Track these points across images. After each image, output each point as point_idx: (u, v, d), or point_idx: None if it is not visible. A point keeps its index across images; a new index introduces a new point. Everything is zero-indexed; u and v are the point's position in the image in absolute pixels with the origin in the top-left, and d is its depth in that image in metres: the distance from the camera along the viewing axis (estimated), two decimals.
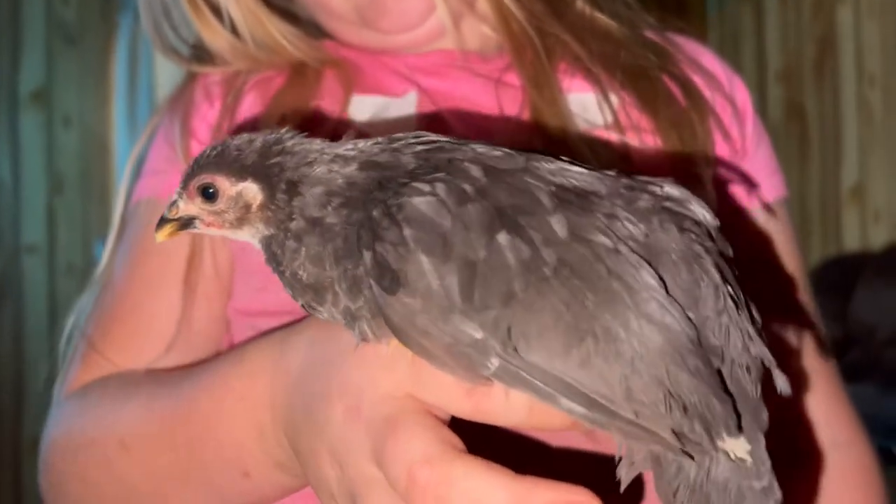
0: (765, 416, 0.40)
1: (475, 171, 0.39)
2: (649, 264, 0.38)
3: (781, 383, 0.41)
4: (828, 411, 0.70)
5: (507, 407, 0.39)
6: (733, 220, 0.70)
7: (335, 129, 0.44)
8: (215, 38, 0.69)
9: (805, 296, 0.72)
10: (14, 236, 2.73)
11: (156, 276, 0.66)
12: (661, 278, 0.38)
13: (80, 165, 2.79)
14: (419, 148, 0.42)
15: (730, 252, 0.42)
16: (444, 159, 0.40)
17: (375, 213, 0.39)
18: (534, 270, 0.37)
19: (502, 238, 0.37)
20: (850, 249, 2.99)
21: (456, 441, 0.39)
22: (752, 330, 0.40)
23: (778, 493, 0.40)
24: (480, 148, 0.41)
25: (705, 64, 0.73)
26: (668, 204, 0.41)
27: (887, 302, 2.42)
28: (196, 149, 0.67)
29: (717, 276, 0.40)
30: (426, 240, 0.37)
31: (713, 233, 0.41)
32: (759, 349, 0.40)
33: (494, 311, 0.37)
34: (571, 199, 0.39)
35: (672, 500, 0.40)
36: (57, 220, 2.77)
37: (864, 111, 3.03)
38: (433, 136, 0.43)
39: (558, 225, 0.37)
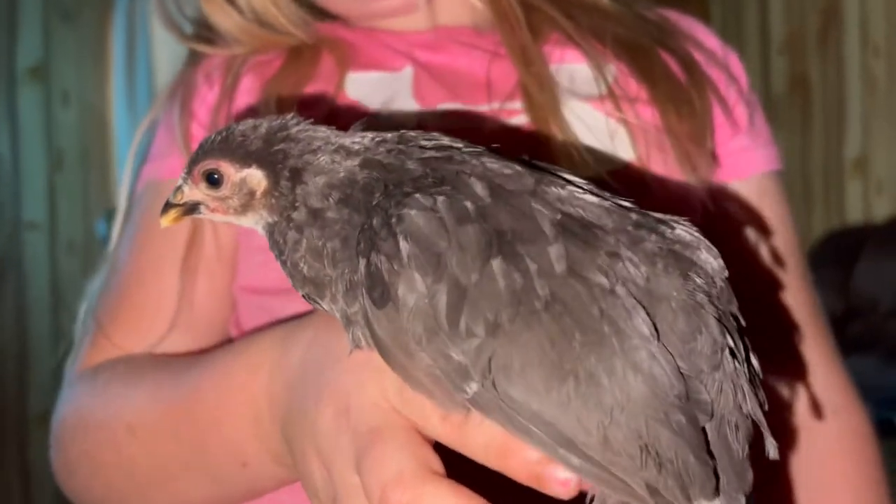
0: (749, 477, 0.39)
1: (480, 189, 0.38)
2: (646, 311, 0.37)
3: (770, 447, 0.40)
4: (825, 377, 0.70)
5: (476, 439, 0.39)
6: (728, 203, 0.70)
7: (332, 108, 0.44)
8: (221, 15, 0.69)
9: (799, 273, 0.71)
10: (15, 213, 2.73)
11: (160, 257, 0.67)
12: (655, 326, 0.37)
13: (80, 141, 2.78)
14: (428, 154, 0.41)
15: (735, 305, 0.40)
16: (452, 171, 0.40)
17: (376, 221, 0.38)
18: (524, 302, 0.36)
19: (496, 264, 0.36)
20: (852, 221, 2.99)
21: (434, 462, 0.39)
22: (747, 387, 0.39)
23: None
24: (491, 163, 0.40)
25: (701, 39, 0.72)
26: (676, 247, 0.39)
27: (889, 274, 2.42)
28: (196, 131, 0.68)
29: (716, 329, 0.38)
30: (420, 257, 0.37)
31: (719, 284, 0.40)
32: (752, 408, 0.39)
33: (478, 339, 0.36)
34: (576, 231, 0.38)
35: None
36: (57, 196, 2.77)
37: (868, 82, 3.01)
38: (446, 141, 0.42)
39: (557, 257, 0.36)
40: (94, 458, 0.62)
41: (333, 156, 0.41)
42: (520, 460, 0.38)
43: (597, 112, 0.65)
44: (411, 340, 0.37)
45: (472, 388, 0.37)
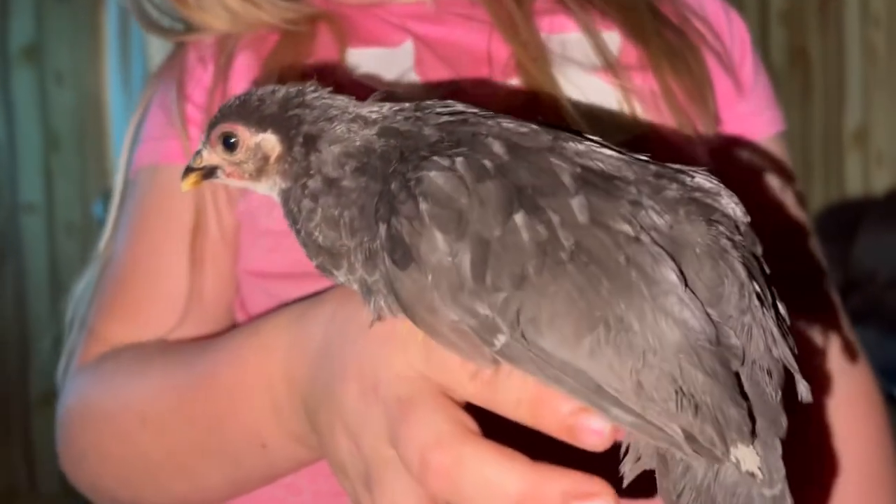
0: (783, 421, 0.38)
1: (497, 148, 0.38)
2: (672, 257, 0.37)
3: (803, 389, 0.40)
4: (833, 339, 0.70)
5: (507, 395, 0.39)
6: (736, 160, 0.69)
7: (336, 83, 0.44)
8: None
9: (809, 237, 0.71)
10: (12, 195, 2.73)
11: (161, 242, 0.66)
12: (682, 272, 0.36)
13: (75, 122, 2.76)
14: (444, 119, 0.40)
15: (759, 249, 0.40)
16: (468, 133, 0.39)
17: (394, 185, 0.38)
18: (549, 253, 0.36)
19: (519, 218, 0.36)
20: (852, 194, 2.98)
21: (470, 423, 0.39)
22: (776, 331, 0.39)
23: (789, 501, 0.38)
24: (507, 123, 0.40)
25: (702, 1, 0.71)
26: (696, 195, 0.39)
27: (889, 247, 2.42)
28: (192, 112, 0.66)
29: (742, 273, 0.38)
30: (441, 215, 0.36)
31: (742, 228, 0.40)
32: (783, 352, 0.39)
33: (505, 292, 0.36)
34: (596, 183, 0.37)
35: (675, 502, 0.39)
36: (54, 177, 2.76)
37: (869, 53, 2.99)
38: (461, 107, 0.41)
39: (579, 208, 0.36)
40: (103, 451, 0.61)
41: (350, 125, 0.41)
42: (552, 412, 0.38)
43: (601, 82, 0.64)
44: (436, 298, 0.37)
45: (501, 340, 0.36)
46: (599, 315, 0.35)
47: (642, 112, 0.64)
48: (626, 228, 0.36)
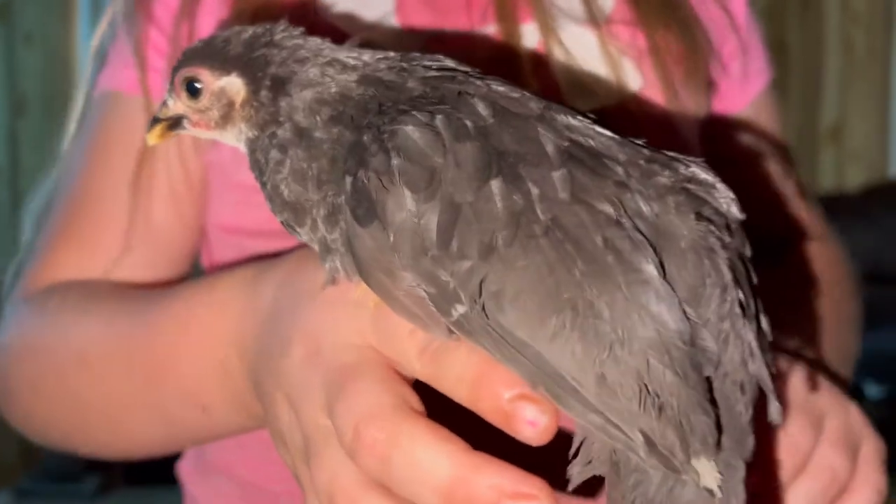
0: (750, 442, 0.36)
1: (482, 109, 0.36)
2: (653, 247, 0.34)
3: (775, 411, 0.37)
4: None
5: (449, 370, 0.36)
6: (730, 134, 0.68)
7: (310, 27, 0.41)
8: None
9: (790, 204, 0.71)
10: None
11: (116, 171, 0.63)
12: (662, 265, 0.34)
13: (43, 85, 2.69)
14: (431, 74, 0.38)
15: (748, 251, 0.37)
16: (454, 91, 0.37)
17: (366, 137, 0.35)
18: (523, 226, 0.33)
19: (496, 185, 0.34)
20: (825, 189, 3.00)
21: (413, 400, 0.37)
22: (754, 345, 0.36)
23: None
24: (497, 85, 0.38)
25: None
26: (689, 185, 0.36)
27: (861, 242, 2.44)
28: (155, 37, 0.63)
29: (727, 276, 0.35)
30: (412, 172, 0.34)
31: (733, 227, 0.37)
32: (759, 368, 0.36)
33: (470, 261, 0.34)
34: (583, 159, 0.35)
35: None
36: (19, 142, 2.69)
37: (847, 50, 3.01)
38: (451, 63, 0.39)
39: (561, 182, 0.34)
40: (37, 386, 0.59)
41: (325, 68, 0.38)
42: (491, 395, 0.35)
43: (588, 35, 0.61)
44: (396, 260, 0.34)
45: (459, 310, 0.34)
46: (568, 297, 0.33)
47: (630, 70, 0.61)
48: (609, 210, 0.34)
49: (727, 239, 0.36)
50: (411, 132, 0.34)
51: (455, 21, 0.62)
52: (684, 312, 0.34)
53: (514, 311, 0.34)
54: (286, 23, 0.41)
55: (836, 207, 2.66)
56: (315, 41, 0.40)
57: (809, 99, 3.06)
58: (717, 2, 0.68)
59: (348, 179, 0.35)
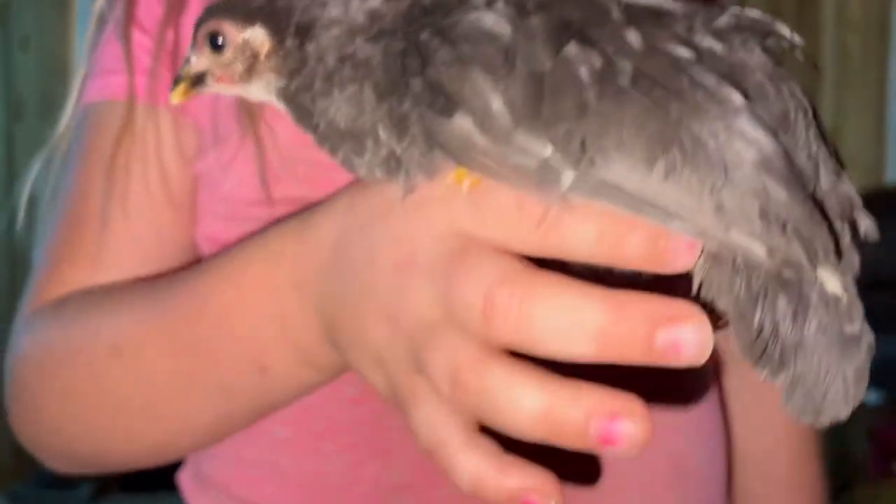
0: (855, 260, 0.36)
1: None
2: (735, 82, 0.35)
3: (867, 226, 0.37)
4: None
5: (583, 233, 0.35)
6: None
7: None
8: None
9: None
10: None
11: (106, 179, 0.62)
12: (746, 95, 0.35)
13: (40, 89, 2.69)
14: None
15: (817, 72, 0.39)
16: None
17: (424, 36, 0.35)
18: (609, 81, 0.33)
19: (571, 49, 0.34)
20: None
21: (531, 265, 0.36)
22: (838, 166, 0.37)
23: (870, 337, 0.37)
24: None
25: None
26: (748, 23, 0.37)
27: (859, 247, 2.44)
28: (142, 40, 0.62)
29: (804, 100, 0.36)
30: (484, 54, 0.34)
31: (799, 55, 0.39)
32: (848, 188, 0.37)
33: (566, 123, 0.33)
34: (644, 15, 0.35)
35: (753, 343, 0.36)
36: (16, 145, 2.68)
37: (843, 55, 3.02)
38: None
39: (633, 37, 0.34)
40: (65, 393, 0.55)
41: (348, 4, 0.38)
42: (638, 239, 0.35)
43: None
44: (490, 142, 0.34)
45: (568, 177, 0.34)
46: (672, 135, 0.33)
47: None
48: (684, 52, 0.34)
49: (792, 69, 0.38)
50: (474, 19, 0.34)
51: None
52: (777, 137, 0.35)
53: (623, 160, 0.33)
54: None
55: None
56: None
57: None
58: None
59: (415, 80, 0.35)
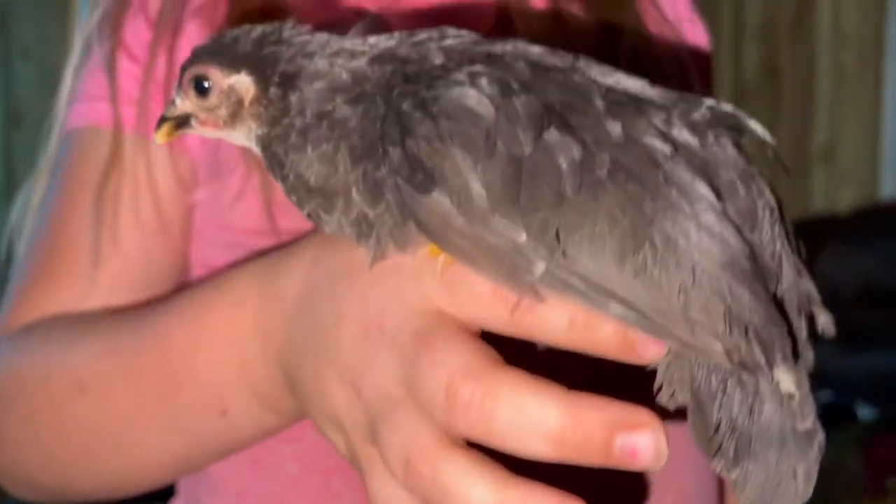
0: (810, 356, 0.37)
1: (519, 66, 0.36)
2: (706, 177, 0.36)
3: (824, 322, 0.38)
4: None
5: (548, 319, 0.36)
6: None
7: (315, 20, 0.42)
8: None
9: None
10: None
11: (90, 208, 0.61)
12: (718, 193, 0.35)
13: (39, 98, 2.69)
14: (448, 42, 0.38)
15: (787, 173, 0.40)
16: (482, 52, 0.37)
17: (405, 106, 0.35)
18: (586, 172, 0.34)
19: (551, 136, 0.34)
20: (817, 210, 3.02)
21: (496, 355, 0.36)
22: (800, 263, 0.38)
23: (821, 435, 0.38)
24: (520, 44, 0.38)
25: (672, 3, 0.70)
26: (720, 119, 0.38)
27: (853, 263, 2.45)
28: (130, 69, 0.62)
29: (772, 199, 0.37)
30: (466, 133, 0.34)
31: (769, 153, 0.39)
32: (808, 285, 0.38)
33: (542, 212, 0.34)
34: (624, 102, 0.36)
35: (711, 439, 0.37)
36: (14, 154, 2.68)
37: (838, 72, 3.03)
38: (463, 31, 0.39)
39: (612, 125, 0.35)
40: (29, 421, 0.55)
41: (333, 59, 0.38)
42: (610, 329, 0.35)
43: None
44: (466, 224, 0.34)
45: (540, 267, 0.34)
46: (644, 233, 0.34)
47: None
48: (661, 145, 0.35)
49: (763, 165, 0.38)
50: (457, 95, 0.35)
51: None
52: (743, 235, 0.35)
53: (595, 255, 0.34)
54: (294, 20, 0.41)
55: (828, 229, 2.68)
56: (322, 36, 0.40)
57: (801, 120, 3.08)
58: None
59: (394, 150, 0.35)
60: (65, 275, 0.61)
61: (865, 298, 2.11)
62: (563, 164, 0.34)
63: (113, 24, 0.63)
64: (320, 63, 0.38)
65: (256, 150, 0.41)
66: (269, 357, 0.45)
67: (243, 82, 0.39)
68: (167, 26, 0.62)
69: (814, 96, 3.06)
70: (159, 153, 0.62)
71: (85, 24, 0.67)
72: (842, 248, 2.51)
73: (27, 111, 2.69)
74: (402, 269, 0.38)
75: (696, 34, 0.71)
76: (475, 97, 0.34)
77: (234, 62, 0.40)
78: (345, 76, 0.38)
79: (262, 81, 0.39)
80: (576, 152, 0.34)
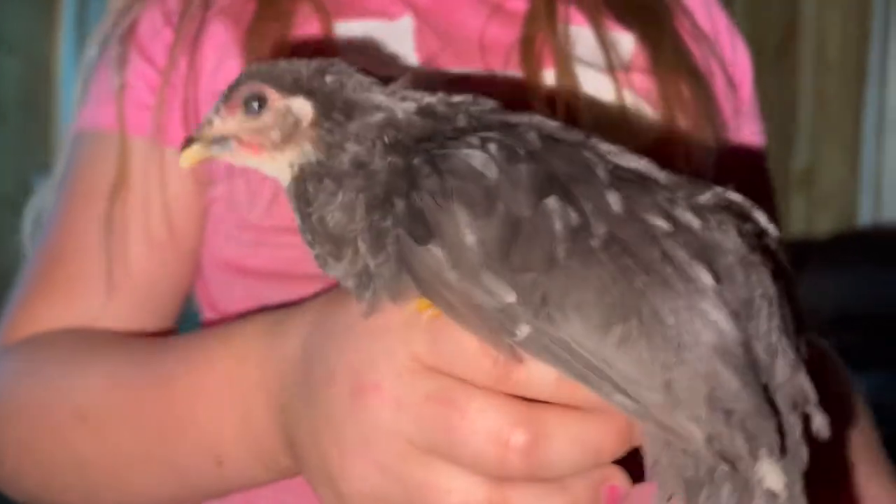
0: (804, 455, 0.37)
1: (531, 136, 0.37)
2: (706, 259, 0.36)
3: (820, 423, 0.38)
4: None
5: (537, 376, 0.37)
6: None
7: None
8: None
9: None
10: None
11: (93, 216, 0.61)
12: (716, 276, 0.35)
13: (25, 93, 2.67)
14: (474, 108, 0.40)
15: (789, 268, 0.39)
16: (498, 121, 0.39)
17: (416, 161, 0.36)
18: (581, 240, 0.34)
19: (551, 202, 0.35)
20: (795, 234, 3.05)
21: (521, 399, 0.37)
22: (798, 359, 0.38)
23: None
24: (539, 119, 0.39)
25: (710, 18, 0.71)
26: (728, 205, 0.38)
27: (831, 286, 2.48)
28: (146, 72, 0.61)
29: (772, 291, 0.37)
30: (468, 191, 0.35)
31: (773, 245, 0.39)
32: (804, 382, 0.38)
33: (532, 274, 0.34)
34: (630, 179, 0.37)
35: None
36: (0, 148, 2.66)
37: (819, 97, 3.08)
38: (492, 103, 0.41)
39: (614, 199, 0.35)
40: (29, 446, 0.56)
41: (391, 97, 0.39)
42: (583, 395, 0.37)
43: (605, 81, 0.63)
44: (457, 278, 0.35)
45: (524, 330, 0.35)
46: (632, 306, 0.34)
47: (647, 116, 0.63)
48: (662, 223, 0.35)
49: (767, 255, 0.38)
50: (465, 155, 0.35)
51: (472, 63, 0.62)
52: (738, 323, 0.35)
53: (580, 320, 0.34)
54: (341, 60, 0.41)
55: (806, 253, 2.71)
56: (369, 78, 0.41)
57: (782, 147, 3.12)
58: (716, 56, 0.70)
59: (399, 202, 0.36)
60: (69, 287, 0.61)
61: (842, 322, 2.13)
62: (559, 229, 0.34)
63: (129, 24, 0.62)
64: (380, 98, 0.39)
65: (286, 179, 0.40)
66: (271, 414, 0.45)
67: (302, 105, 0.40)
68: (189, 29, 0.61)
69: (795, 122, 3.10)
70: (174, 157, 0.63)
71: (102, 22, 0.66)
72: (820, 272, 2.53)
73: (11, 106, 2.66)
74: (391, 325, 0.38)
75: (735, 49, 0.73)
76: (482, 159, 0.35)
77: (292, 85, 0.40)
78: (400, 115, 0.39)
79: (325, 106, 0.39)
80: (573, 220, 0.35)
